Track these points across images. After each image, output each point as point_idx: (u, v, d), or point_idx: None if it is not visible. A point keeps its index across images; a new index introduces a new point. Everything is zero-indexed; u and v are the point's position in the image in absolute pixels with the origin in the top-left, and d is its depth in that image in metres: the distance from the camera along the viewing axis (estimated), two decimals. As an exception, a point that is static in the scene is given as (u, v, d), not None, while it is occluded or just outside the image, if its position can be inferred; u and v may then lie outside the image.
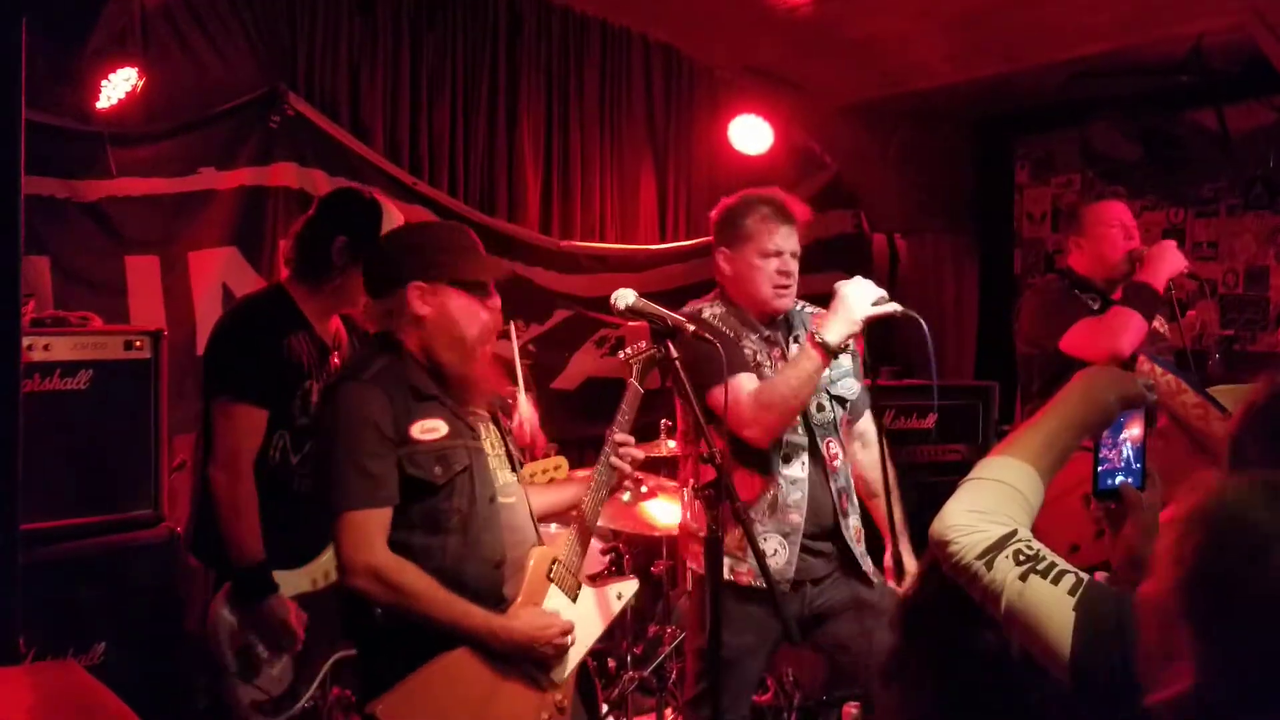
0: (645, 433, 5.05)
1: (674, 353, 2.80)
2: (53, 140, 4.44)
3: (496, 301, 2.88)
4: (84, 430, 3.62)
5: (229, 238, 4.94)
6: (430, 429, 2.73)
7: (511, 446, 3.01)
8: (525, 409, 4.54)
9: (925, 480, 4.99)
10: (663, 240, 6.41)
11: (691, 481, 3.48)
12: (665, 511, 4.67)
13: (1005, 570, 1.70)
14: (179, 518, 3.77)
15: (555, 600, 2.88)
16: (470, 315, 2.81)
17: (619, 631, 4.65)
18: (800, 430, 3.44)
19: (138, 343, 3.73)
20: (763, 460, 3.40)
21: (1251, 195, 5.52)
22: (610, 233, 6.27)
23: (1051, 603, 1.65)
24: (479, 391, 2.86)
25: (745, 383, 3.30)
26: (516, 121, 5.91)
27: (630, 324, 5.75)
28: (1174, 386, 3.27)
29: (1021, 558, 1.71)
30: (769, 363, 3.44)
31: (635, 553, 4.81)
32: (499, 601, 2.78)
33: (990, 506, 1.80)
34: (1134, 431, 2.24)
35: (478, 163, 5.82)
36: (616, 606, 3.11)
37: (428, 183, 5.54)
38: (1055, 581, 1.67)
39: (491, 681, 2.72)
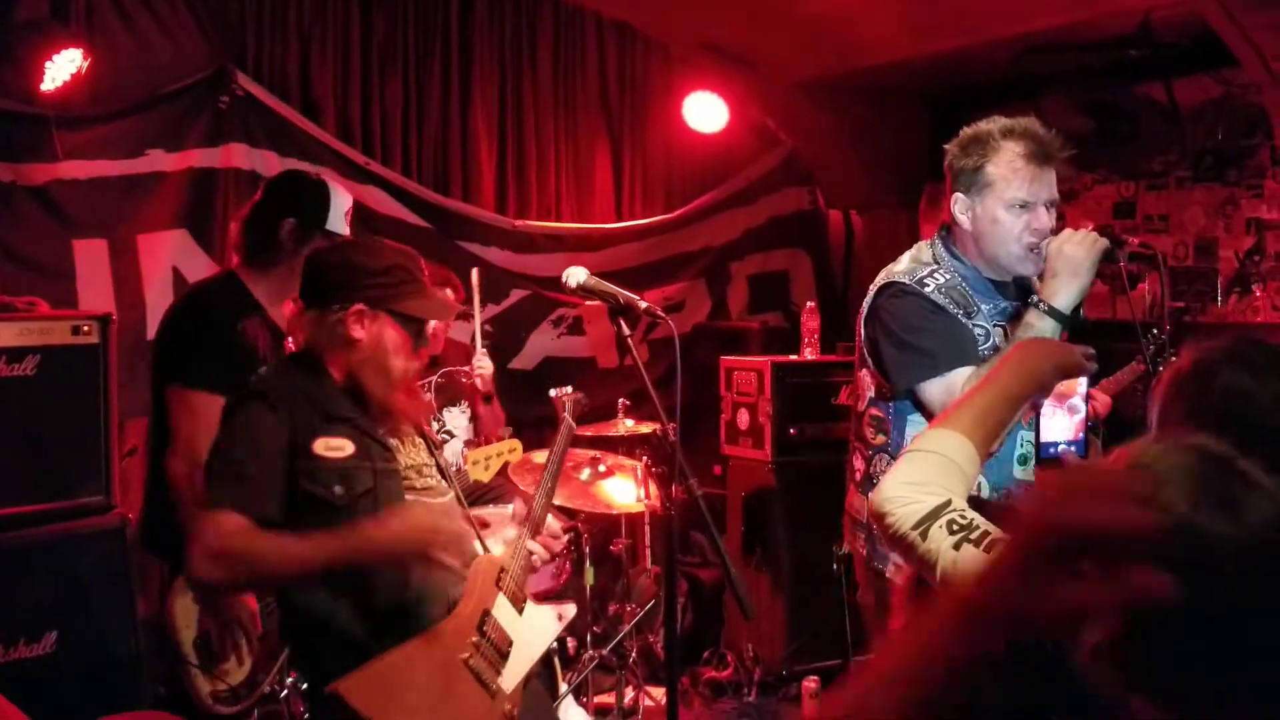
0: (604, 412, 5.08)
1: (626, 330, 2.76)
2: (-4, 124, 4.40)
3: (431, 343, 2.79)
4: (32, 417, 3.57)
5: (179, 220, 4.90)
6: (335, 447, 2.64)
7: (441, 460, 2.95)
8: (484, 362, 4.57)
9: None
10: (619, 219, 6.40)
11: (859, 474, 2.98)
12: (623, 490, 4.68)
13: (939, 540, 1.74)
14: (131, 504, 3.73)
15: (504, 609, 2.81)
16: (403, 350, 2.75)
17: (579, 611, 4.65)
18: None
19: (85, 327, 3.68)
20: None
21: (1201, 168, 5.57)
22: (566, 212, 6.26)
23: None
24: (400, 420, 2.78)
25: (960, 381, 2.69)
26: (469, 100, 5.87)
27: (588, 303, 5.77)
28: None
29: (955, 527, 1.74)
30: (1002, 341, 2.85)
31: (594, 531, 4.82)
32: (448, 604, 2.71)
33: (925, 478, 1.84)
34: (1076, 400, 2.26)
35: (431, 142, 5.78)
36: (558, 626, 3.06)
37: (380, 162, 5.50)
38: (988, 550, 1.69)
39: (444, 683, 2.64)
